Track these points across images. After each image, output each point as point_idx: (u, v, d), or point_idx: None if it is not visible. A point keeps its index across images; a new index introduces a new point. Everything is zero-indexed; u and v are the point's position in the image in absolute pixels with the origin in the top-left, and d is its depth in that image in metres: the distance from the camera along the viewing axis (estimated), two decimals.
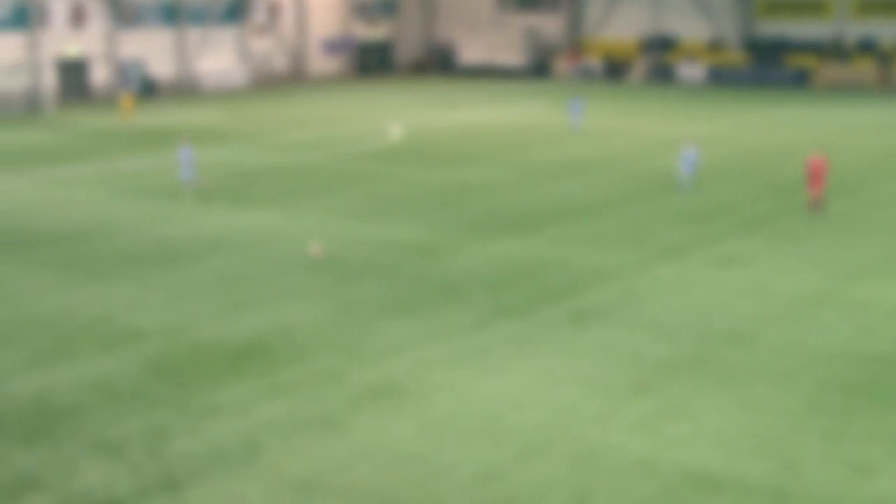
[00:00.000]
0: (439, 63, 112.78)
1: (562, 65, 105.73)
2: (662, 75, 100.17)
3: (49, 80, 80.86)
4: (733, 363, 23.03)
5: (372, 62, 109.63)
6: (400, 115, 72.86)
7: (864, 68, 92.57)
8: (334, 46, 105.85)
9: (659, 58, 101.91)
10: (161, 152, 55.06)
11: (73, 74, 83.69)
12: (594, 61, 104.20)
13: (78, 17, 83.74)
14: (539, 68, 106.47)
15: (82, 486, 17.04)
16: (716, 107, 77.61)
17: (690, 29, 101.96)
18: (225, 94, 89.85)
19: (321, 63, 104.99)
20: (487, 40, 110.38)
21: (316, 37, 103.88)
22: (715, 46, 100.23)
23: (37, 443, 18.68)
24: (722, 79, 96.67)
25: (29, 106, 77.47)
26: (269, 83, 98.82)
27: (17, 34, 79.25)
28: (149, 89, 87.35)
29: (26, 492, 16.81)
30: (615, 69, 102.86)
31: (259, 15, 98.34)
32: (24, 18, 79.52)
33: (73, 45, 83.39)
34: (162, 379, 21.77)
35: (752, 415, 20.32)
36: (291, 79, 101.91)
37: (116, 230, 36.17)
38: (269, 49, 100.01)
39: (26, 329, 25.00)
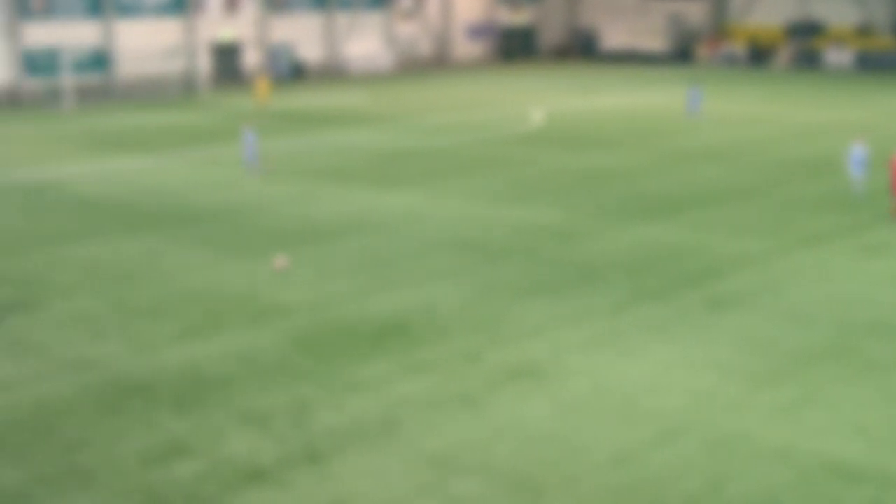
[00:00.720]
0: (582, 48, 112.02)
1: (704, 51, 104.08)
2: (808, 61, 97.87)
3: (204, 64, 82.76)
4: (875, 354, 22.45)
5: (515, 47, 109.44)
6: (541, 99, 72.61)
7: None
8: (478, 32, 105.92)
9: (805, 43, 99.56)
10: (307, 134, 55.87)
11: (227, 58, 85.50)
12: (738, 47, 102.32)
13: (232, 3, 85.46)
14: (682, 54, 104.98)
15: (229, 453, 17.44)
16: (864, 93, 75.55)
17: (838, 14, 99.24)
18: (371, 78, 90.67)
19: (465, 48, 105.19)
20: (630, 26, 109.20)
21: (460, 22, 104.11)
22: (864, 31, 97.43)
23: (187, 411, 19.16)
24: (871, 65, 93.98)
25: (185, 88, 79.36)
26: (414, 67, 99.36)
27: (175, 20, 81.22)
28: (298, 73, 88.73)
29: (177, 457, 17.28)
30: (759, 55, 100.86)
31: (405, 1, 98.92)
32: (182, 5, 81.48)
33: (226, 29, 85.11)
34: (306, 354, 22.13)
35: (894, 406, 19.80)
36: (435, 63, 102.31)
37: (264, 208, 36.85)
38: (414, 34, 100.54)
39: (179, 303, 25.65)
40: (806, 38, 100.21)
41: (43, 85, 73.22)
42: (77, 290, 26.75)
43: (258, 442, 17.90)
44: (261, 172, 43.46)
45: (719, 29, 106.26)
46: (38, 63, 73.35)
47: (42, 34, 73.82)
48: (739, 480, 16.82)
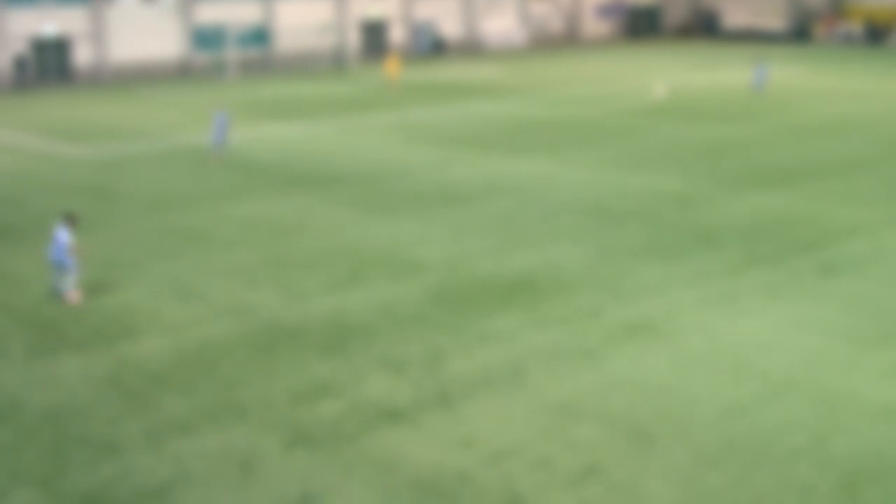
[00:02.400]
0: (704, 27, 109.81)
1: (822, 30, 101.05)
2: None
3: (353, 39, 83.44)
4: None
5: (641, 26, 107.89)
6: (665, 75, 71.45)
7: None
8: (606, 11, 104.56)
9: None
10: (445, 104, 55.95)
11: (374, 34, 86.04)
12: (854, 26, 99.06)
13: None
14: (799, 33, 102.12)
15: (368, 395, 17.67)
16: None
17: None
18: (505, 54, 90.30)
19: (594, 26, 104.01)
20: (751, 5, 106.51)
21: (590, 1, 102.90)
22: None
23: (332, 355, 19.45)
24: None
25: (336, 61, 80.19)
26: (546, 44, 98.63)
27: None
28: (438, 48, 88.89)
29: (322, 396, 17.57)
30: (875, 34, 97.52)
31: None
32: None
33: (375, 7, 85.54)
34: (441, 306, 22.26)
35: None
36: (566, 41, 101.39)
37: (405, 172, 37.07)
38: (546, 13, 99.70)
39: (327, 257, 26.00)
40: None
41: (210, 58, 74.82)
42: (236, 243, 27.31)
43: (395, 385, 18.10)
44: (219, 159, 39.32)
45: (837, 8, 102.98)
46: (207, 38, 74.92)
47: (210, 13, 75.30)
48: (844, 436, 16.43)
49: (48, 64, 68.47)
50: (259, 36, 77.71)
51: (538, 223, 29.51)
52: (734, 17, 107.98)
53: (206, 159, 32.24)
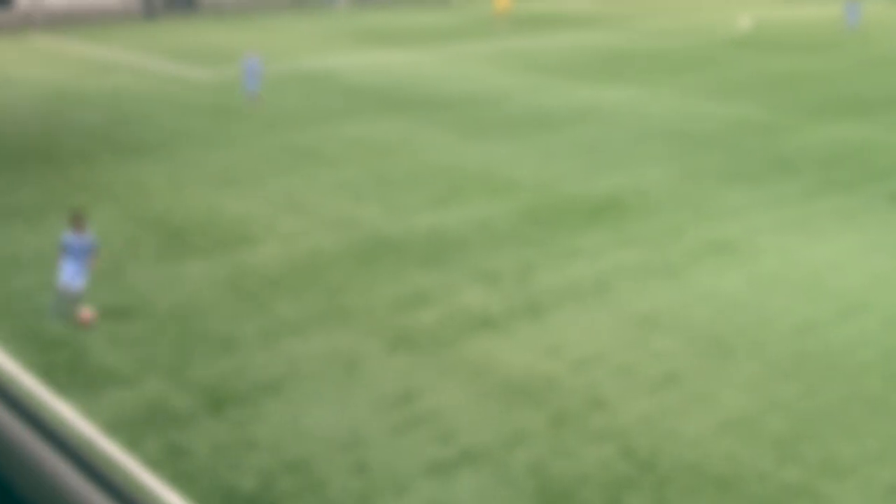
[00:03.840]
0: None
1: None
2: None
3: None
4: None
5: None
6: (751, 8, 69.42)
7: None
8: None
9: None
10: (541, 35, 55.23)
11: None
12: None
13: None
14: None
15: (464, 304, 17.82)
16: None
17: None
18: None
19: None
20: None
21: None
22: None
23: (431, 267, 19.61)
24: None
25: None
26: None
27: None
28: None
29: (421, 304, 17.77)
30: None
31: None
32: None
33: None
34: (532, 224, 22.23)
35: None
36: None
37: (501, 99, 36.82)
38: None
39: (427, 176, 26.08)
40: None
41: None
42: (343, 161, 27.52)
43: (488, 296, 18.21)
44: (256, 103, 34.94)
45: None
46: None
47: None
48: None
49: None
50: None
51: (625, 147, 29.17)
52: None
53: (242, 108, 31.53)
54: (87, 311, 16.14)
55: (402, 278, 18.96)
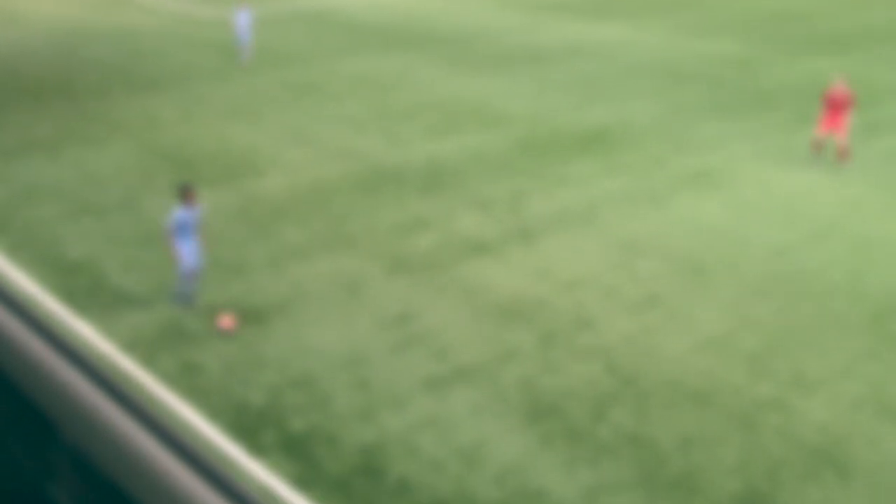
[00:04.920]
0: None
1: None
2: None
3: None
4: None
5: None
6: None
7: None
8: None
9: None
10: None
11: None
12: None
13: None
14: None
15: (459, 229, 17.82)
16: None
17: None
18: None
19: None
20: None
21: None
22: None
23: (428, 195, 19.57)
24: None
25: None
26: None
27: None
28: None
29: (419, 229, 17.77)
30: None
31: None
32: None
33: None
34: (524, 154, 22.14)
35: None
36: None
37: (496, 35, 36.40)
38: None
39: (425, 109, 25.90)
40: None
41: None
42: (345, 95, 27.30)
43: (482, 222, 18.20)
44: (247, 60, 31.28)
45: None
46: None
47: None
48: (876, 275, 16.20)
49: None
50: None
51: (614, 82, 28.93)
52: None
53: (235, 62, 30.21)
54: (227, 319, 13.80)
55: (401, 206, 18.93)
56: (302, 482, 10.66)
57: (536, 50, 33.52)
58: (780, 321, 14.63)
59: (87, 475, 1.56)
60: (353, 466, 10.96)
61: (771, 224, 18.32)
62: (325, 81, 28.91)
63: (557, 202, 19.22)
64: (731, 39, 35.38)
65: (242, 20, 30.67)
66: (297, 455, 11.13)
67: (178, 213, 13.76)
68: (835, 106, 21.23)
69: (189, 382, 12.54)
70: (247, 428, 11.60)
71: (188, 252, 13.97)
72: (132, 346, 13.40)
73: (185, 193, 13.78)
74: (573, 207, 18.94)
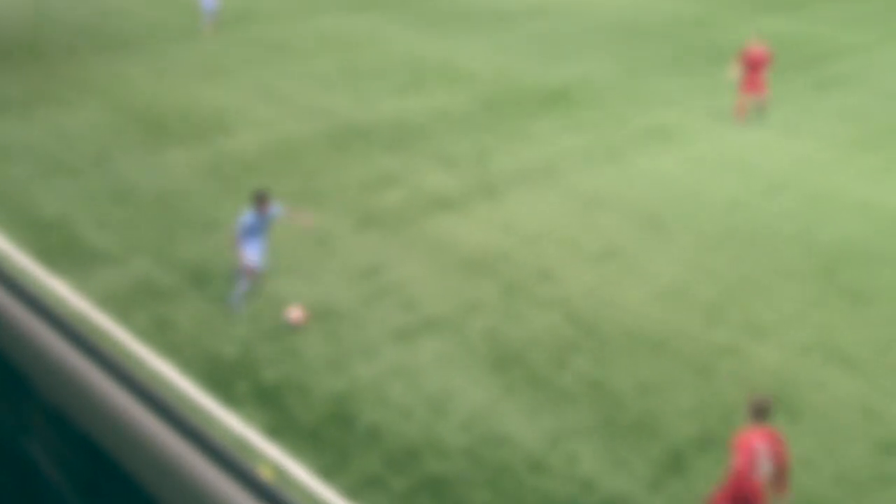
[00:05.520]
0: None
1: None
2: None
3: None
4: None
5: None
6: None
7: None
8: None
9: None
10: None
11: None
12: None
13: None
14: None
15: (426, 185, 17.77)
16: None
17: None
18: None
19: None
20: None
21: None
22: None
23: (395, 151, 19.48)
24: None
25: None
26: None
27: None
28: None
29: (387, 185, 17.70)
30: None
31: None
32: None
33: None
34: (488, 111, 22.06)
35: None
36: None
37: None
38: None
39: (392, 68, 25.68)
40: None
41: None
42: (312, 54, 26.99)
43: (448, 178, 18.16)
44: (212, 28, 29.38)
45: None
46: None
47: None
48: (827, 227, 16.38)
49: None
50: None
51: (575, 41, 28.81)
52: None
53: (199, 28, 29.21)
54: (297, 311, 13.03)
55: (369, 162, 18.84)
56: (274, 431, 10.69)
57: (500, 10, 33.27)
58: (735, 272, 14.77)
59: (62, 430, 1.55)
60: (324, 415, 11.00)
61: (726, 179, 18.43)
62: (294, 40, 28.56)
63: (520, 159, 19.20)
64: None
65: None
66: (269, 405, 11.15)
67: (248, 217, 12.96)
68: (754, 66, 21.27)
69: (162, 337, 12.48)
70: (220, 380, 11.58)
71: (252, 253, 13.11)
72: (105, 302, 13.30)
73: (261, 201, 12.98)
74: (536, 164, 18.94)
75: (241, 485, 1.38)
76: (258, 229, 13.10)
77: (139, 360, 11.87)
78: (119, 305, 13.20)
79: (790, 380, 12.11)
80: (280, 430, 10.71)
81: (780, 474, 9.29)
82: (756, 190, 17.91)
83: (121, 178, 17.84)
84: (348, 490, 9.83)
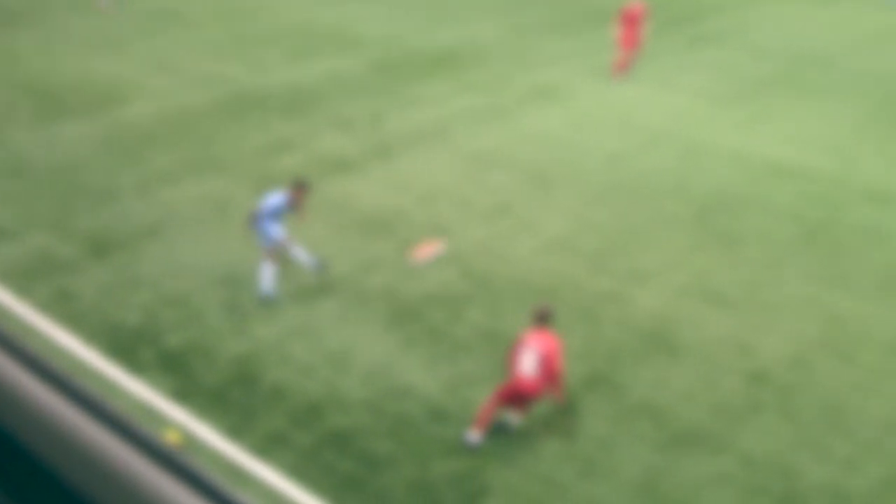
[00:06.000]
0: None
1: None
2: None
3: None
4: (814, 81, 21.83)
5: None
6: None
7: None
8: None
9: None
10: None
11: None
12: None
13: None
14: None
15: (322, 148, 17.52)
16: None
17: None
18: None
19: None
20: None
21: None
22: None
23: (291, 117, 19.13)
24: None
25: None
26: None
27: None
28: None
29: (284, 151, 17.39)
30: None
31: None
32: None
33: None
34: (380, 75, 21.82)
35: (822, 121, 19.42)
36: None
37: None
38: None
39: (284, 35, 25.14)
40: None
41: None
42: (204, 22, 26.22)
43: (343, 141, 17.94)
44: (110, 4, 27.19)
45: None
46: None
47: None
48: (700, 177, 16.76)
49: None
50: None
51: (460, 4, 28.64)
52: None
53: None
54: (427, 247, 12.62)
55: (266, 128, 18.46)
56: (180, 395, 10.47)
57: None
58: (617, 223, 15.00)
59: None
60: (228, 376, 10.82)
61: (607, 134, 18.65)
62: (184, 9, 27.69)
63: (413, 120, 19.07)
64: None
65: None
66: (174, 370, 10.91)
67: (279, 199, 12.03)
68: (631, 22, 21.54)
69: (64, 309, 12.07)
70: (124, 348, 11.27)
71: (278, 232, 12.18)
72: (4, 277, 12.78)
73: (299, 189, 12.05)
74: (428, 125, 18.84)
75: (141, 451, 1.32)
76: (280, 217, 12.16)
77: (42, 333, 11.46)
78: (19, 280, 12.70)
79: (670, 320, 12.39)
80: (186, 393, 10.49)
81: (551, 376, 9.75)
82: (635, 143, 18.18)
83: (14, 152, 17.09)
84: (255, 448, 9.71)
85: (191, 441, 9.73)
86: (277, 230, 12.20)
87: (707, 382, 11.24)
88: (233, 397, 10.49)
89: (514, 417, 10.15)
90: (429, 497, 9.24)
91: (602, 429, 10.35)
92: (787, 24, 26.74)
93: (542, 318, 9.90)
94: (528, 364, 9.64)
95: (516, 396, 9.77)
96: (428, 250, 12.95)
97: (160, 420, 10.01)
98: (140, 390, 10.53)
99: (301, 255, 12.56)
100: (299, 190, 12.23)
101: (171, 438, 9.62)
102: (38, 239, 13.84)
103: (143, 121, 18.71)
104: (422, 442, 9.98)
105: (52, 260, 13.27)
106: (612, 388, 10.99)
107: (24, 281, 12.68)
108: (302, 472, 9.45)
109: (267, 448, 9.73)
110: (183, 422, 10.05)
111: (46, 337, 11.38)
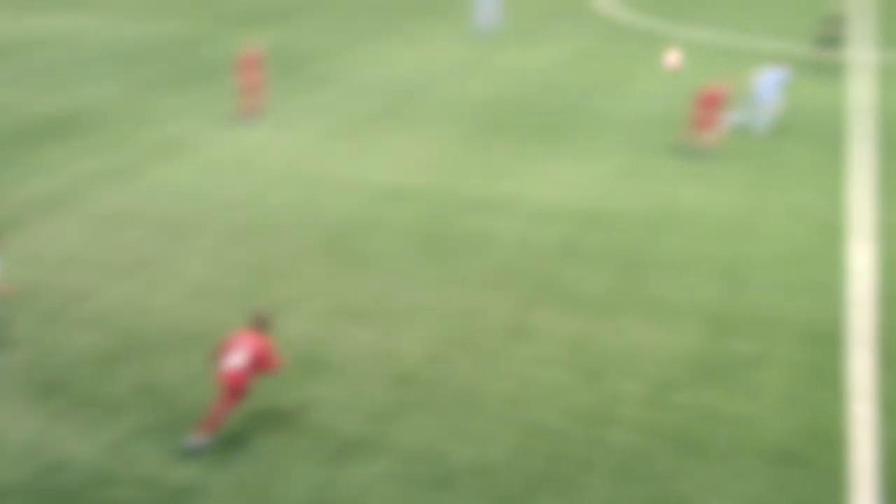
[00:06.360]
0: None
1: None
2: None
3: None
4: (413, 110, 23.59)
5: None
6: None
7: None
8: None
9: None
10: None
11: None
12: None
13: None
14: None
15: None
16: None
17: None
18: None
19: None
20: None
21: None
22: None
23: None
24: None
25: None
26: None
27: None
28: None
29: None
30: None
31: None
32: None
33: None
34: (4, 144, 20.38)
35: (425, 145, 21.05)
36: None
37: None
38: None
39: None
40: None
41: None
42: None
43: None
44: None
45: None
46: None
47: None
48: (328, 208, 17.48)
49: None
50: None
51: (74, 69, 27.34)
52: None
53: None
54: (674, 57, 15.34)
55: None
56: None
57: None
58: (257, 260, 15.25)
59: None
60: None
61: (237, 178, 18.85)
62: None
63: (41, 188, 18.03)
64: (176, 19, 35.04)
65: None
66: None
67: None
68: (249, 67, 22.11)
69: None
70: None
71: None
72: None
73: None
74: (55, 192, 17.90)
75: None
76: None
77: None
78: None
79: (319, 342, 12.86)
80: None
81: (266, 371, 10.53)
82: (264, 184, 18.55)
83: None
84: None
85: None
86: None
87: (359, 393, 11.81)
88: None
89: (198, 439, 10.42)
90: None
91: (269, 456, 10.55)
92: (387, 63, 28.50)
93: (259, 323, 10.54)
94: (235, 360, 10.22)
95: (228, 389, 10.24)
96: (674, 59, 15.36)
97: None
98: None
99: None
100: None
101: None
102: None
103: None
104: None
105: None
106: (275, 414, 11.22)
107: None
108: None
109: None
110: None
111: None
